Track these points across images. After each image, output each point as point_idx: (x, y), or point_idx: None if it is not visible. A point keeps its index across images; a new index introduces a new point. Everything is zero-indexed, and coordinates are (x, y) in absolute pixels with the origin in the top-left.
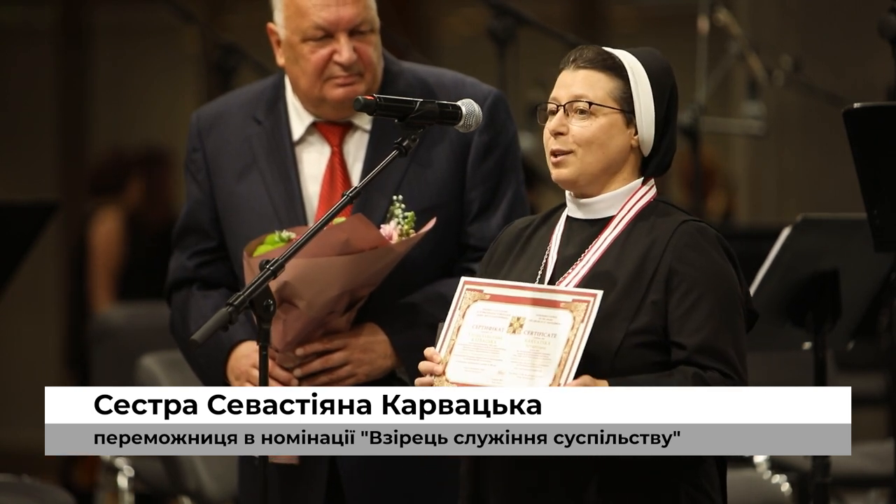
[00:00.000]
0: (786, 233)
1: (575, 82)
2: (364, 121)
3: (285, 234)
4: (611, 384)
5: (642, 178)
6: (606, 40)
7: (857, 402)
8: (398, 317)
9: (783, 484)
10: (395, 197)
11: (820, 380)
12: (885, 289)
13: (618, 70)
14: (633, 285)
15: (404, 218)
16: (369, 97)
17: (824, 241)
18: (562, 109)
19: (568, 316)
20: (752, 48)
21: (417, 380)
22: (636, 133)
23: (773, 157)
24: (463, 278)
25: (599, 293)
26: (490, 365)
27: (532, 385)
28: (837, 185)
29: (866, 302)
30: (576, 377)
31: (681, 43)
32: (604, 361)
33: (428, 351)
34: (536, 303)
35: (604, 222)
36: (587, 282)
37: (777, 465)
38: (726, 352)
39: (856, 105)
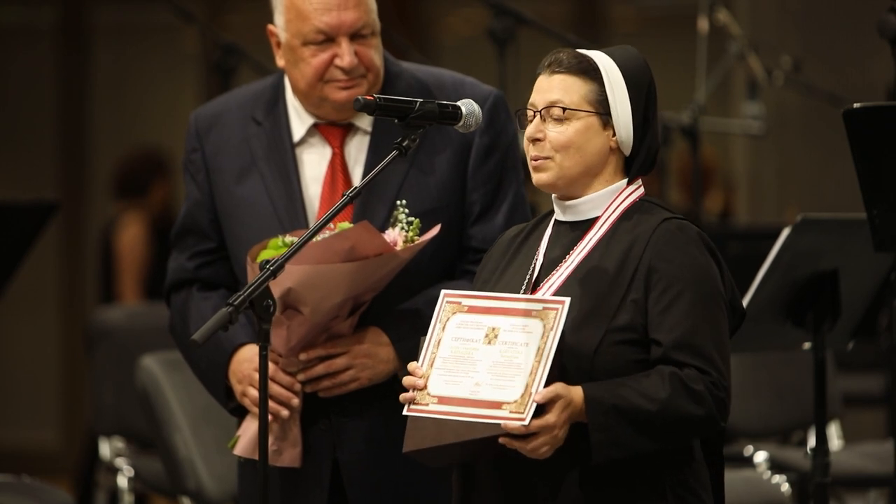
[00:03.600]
0: (785, 233)
1: (550, 88)
2: (365, 122)
3: (288, 238)
4: (585, 390)
5: (627, 179)
6: (606, 40)
7: (857, 402)
8: (400, 321)
9: (783, 484)
10: (398, 202)
11: (820, 380)
12: (884, 289)
13: (592, 73)
14: (613, 284)
15: (409, 223)
16: (369, 97)
17: (824, 241)
18: (538, 115)
19: (539, 324)
20: (751, 48)
21: (401, 395)
22: (614, 134)
23: (773, 157)
24: (443, 291)
25: (567, 300)
26: (468, 377)
27: (505, 395)
28: (837, 185)
29: (866, 302)
30: (553, 381)
31: (681, 43)
32: (584, 359)
33: (411, 365)
34: (510, 312)
35: (588, 223)
36: (570, 282)
37: (777, 464)
38: (704, 348)
39: (855, 105)
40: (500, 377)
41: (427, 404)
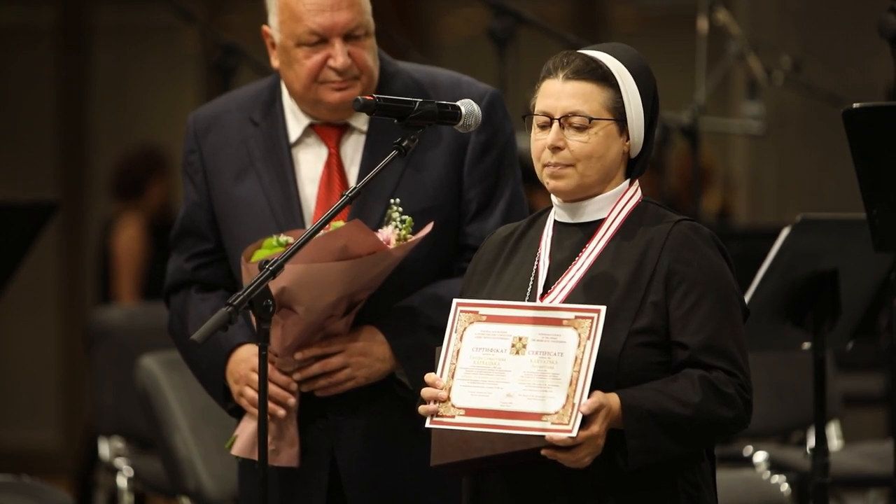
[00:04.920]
0: (785, 233)
1: (566, 95)
2: (361, 122)
3: (283, 238)
4: (621, 396)
5: (629, 180)
6: (606, 40)
7: (857, 402)
8: (396, 319)
9: (782, 484)
10: (392, 200)
11: (819, 380)
12: (884, 289)
13: (607, 79)
14: (632, 287)
15: (402, 222)
16: (368, 97)
17: (824, 241)
18: (557, 123)
19: (573, 333)
20: (751, 48)
21: (422, 407)
22: (628, 139)
23: (773, 157)
24: (455, 300)
25: (603, 308)
26: (497, 388)
27: (544, 406)
28: (837, 185)
29: (866, 302)
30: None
31: (680, 43)
32: (609, 363)
33: (430, 377)
34: (537, 321)
35: (594, 225)
36: (584, 285)
37: (776, 464)
38: (729, 349)
39: (855, 105)
40: (535, 388)
41: (453, 416)
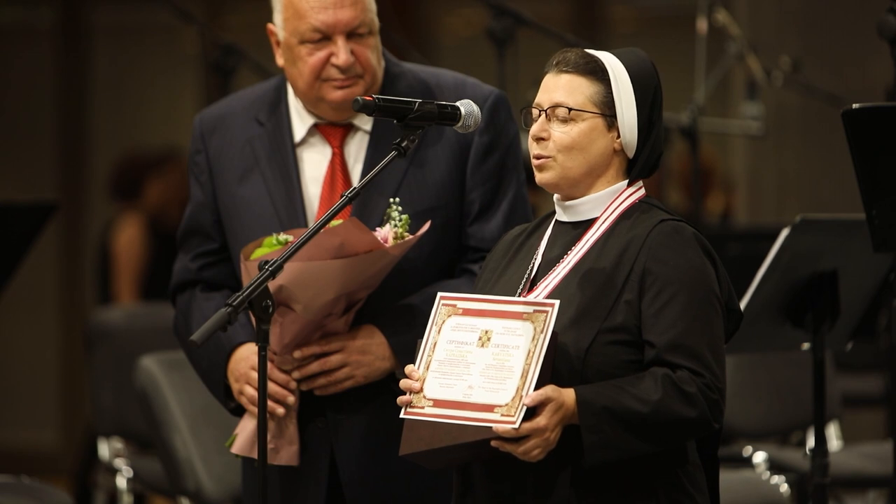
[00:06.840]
0: (785, 233)
1: (557, 87)
2: (365, 122)
3: (282, 236)
4: (577, 392)
5: (628, 180)
6: (606, 40)
7: (856, 403)
8: (396, 319)
9: (782, 484)
10: (392, 200)
11: (819, 380)
12: (884, 289)
13: (599, 73)
14: (608, 284)
15: (399, 221)
16: (368, 98)
17: (823, 242)
18: (543, 114)
19: (529, 327)
20: (750, 48)
21: (399, 398)
22: (619, 136)
23: (773, 157)
24: (439, 293)
25: (557, 302)
26: (461, 380)
27: (497, 398)
28: (837, 185)
29: (865, 302)
30: (546, 383)
31: (680, 43)
32: (575, 359)
33: (407, 368)
34: (503, 315)
35: (588, 224)
36: (566, 282)
37: (776, 465)
38: (698, 349)
39: (854, 106)
40: (493, 380)
41: (423, 407)
